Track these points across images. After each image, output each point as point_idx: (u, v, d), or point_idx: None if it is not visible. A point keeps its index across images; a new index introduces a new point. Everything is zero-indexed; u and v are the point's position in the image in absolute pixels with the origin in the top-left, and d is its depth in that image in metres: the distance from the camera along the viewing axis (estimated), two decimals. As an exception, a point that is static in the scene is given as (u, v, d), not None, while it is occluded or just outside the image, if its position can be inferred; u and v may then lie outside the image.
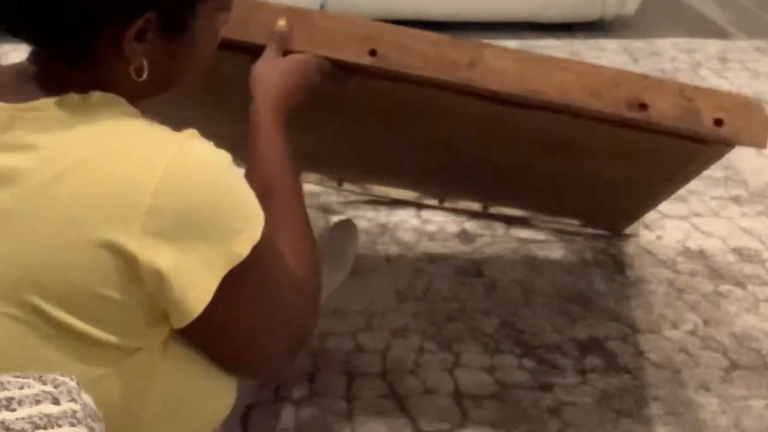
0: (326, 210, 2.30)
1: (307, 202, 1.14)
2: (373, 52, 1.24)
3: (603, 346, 1.87)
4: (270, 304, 0.96)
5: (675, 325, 1.94)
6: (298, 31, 1.25)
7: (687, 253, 2.19)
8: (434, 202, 2.32)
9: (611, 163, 1.62)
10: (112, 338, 0.89)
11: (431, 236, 2.22)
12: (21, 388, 0.65)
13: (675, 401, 1.73)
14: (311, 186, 2.33)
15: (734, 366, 1.83)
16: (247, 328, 0.95)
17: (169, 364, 0.96)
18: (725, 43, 3.51)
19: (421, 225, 2.26)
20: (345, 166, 2.13)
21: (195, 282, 0.87)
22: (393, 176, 2.18)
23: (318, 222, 2.20)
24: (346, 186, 2.36)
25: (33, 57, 0.94)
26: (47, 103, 0.89)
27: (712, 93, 1.25)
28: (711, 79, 3.16)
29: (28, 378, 0.66)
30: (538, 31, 3.56)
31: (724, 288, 2.07)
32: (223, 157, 0.91)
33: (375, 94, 1.36)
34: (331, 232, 1.65)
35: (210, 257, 0.87)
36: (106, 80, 0.93)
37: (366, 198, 2.33)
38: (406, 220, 2.27)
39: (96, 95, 0.91)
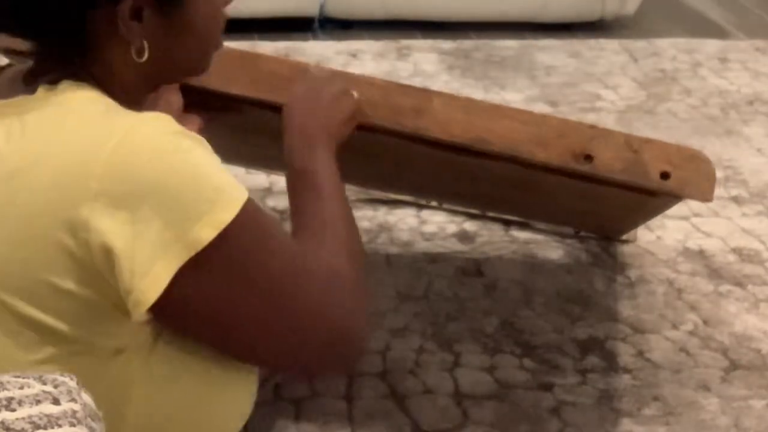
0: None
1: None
2: None
3: (603, 346, 1.86)
4: (270, 293, 0.90)
5: (675, 325, 1.94)
6: (245, 72, 1.23)
7: (687, 253, 2.19)
8: (433, 202, 2.32)
9: (572, 200, 1.61)
10: (78, 333, 0.85)
11: (430, 236, 2.22)
12: (21, 388, 0.65)
13: (675, 401, 1.72)
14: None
15: (734, 366, 1.83)
16: (243, 318, 0.89)
17: (155, 369, 0.91)
18: (725, 43, 3.51)
19: (421, 225, 2.26)
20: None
21: (146, 269, 0.81)
22: (386, 185, 2.18)
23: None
24: (345, 185, 2.35)
25: (32, 58, 0.93)
26: (20, 100, 0.87)
27: (659, 145, 1.24)
28: (711, 79, 3.16)
29: (28, 378, 0.67)
30: (538, 31, 3.56)
31: (724, 288, 2.07)
32: (179, 137, 0.85)
33: None
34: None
35: (164, 242, 0.81)
36: (103, 70, 0.90)
37: (365, 197, 2.33)
38: (405, 220, 2.27)
39: (63, 84, 0.88)
